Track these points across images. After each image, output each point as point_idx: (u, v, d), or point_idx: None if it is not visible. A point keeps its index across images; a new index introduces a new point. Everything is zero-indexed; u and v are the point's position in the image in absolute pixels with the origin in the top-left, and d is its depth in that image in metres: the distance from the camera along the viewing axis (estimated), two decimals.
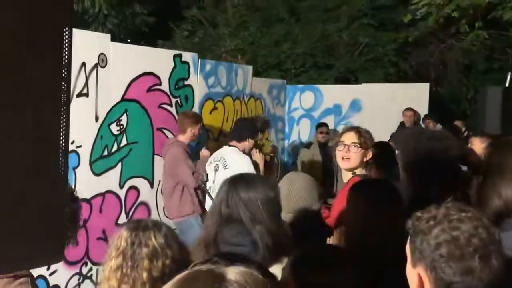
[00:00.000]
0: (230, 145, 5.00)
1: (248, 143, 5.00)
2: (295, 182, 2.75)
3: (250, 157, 5.04)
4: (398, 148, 3.62)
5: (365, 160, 3.01)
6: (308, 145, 7.55)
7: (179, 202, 5.07)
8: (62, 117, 0.88)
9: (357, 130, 3.06)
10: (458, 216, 1.32)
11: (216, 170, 4.95)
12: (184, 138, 5.18)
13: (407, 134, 2.87)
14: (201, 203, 5.23)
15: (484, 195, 1.96)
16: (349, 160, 2.98)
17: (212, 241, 2.00)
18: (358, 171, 2.99)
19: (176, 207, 5.09)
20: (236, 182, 2.09)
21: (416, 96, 8.00)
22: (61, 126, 0.88)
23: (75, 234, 1.72)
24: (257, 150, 5.28)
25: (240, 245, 1.97)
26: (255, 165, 5.02)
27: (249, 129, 5.04)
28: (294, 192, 2.71)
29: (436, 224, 1.32)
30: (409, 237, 1.39)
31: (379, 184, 2.31)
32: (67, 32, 0.94)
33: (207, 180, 5.09)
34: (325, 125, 7.41)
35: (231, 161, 4.85)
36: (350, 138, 3.01)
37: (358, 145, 2.97)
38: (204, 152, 5.30)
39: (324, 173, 6.80)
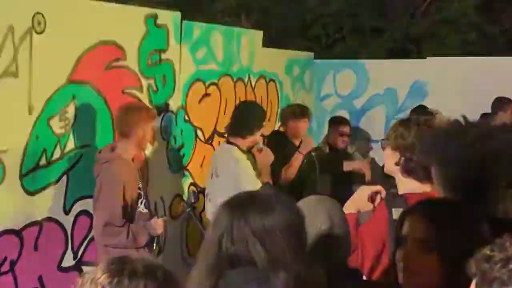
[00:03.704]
0: (229, 142, 5.24)
1: (254, 138, 5.24)
2: (334, 214, 2.62)
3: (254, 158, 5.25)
4: None
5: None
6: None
7: (104, 252, 4.53)
8: None
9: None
10: None
11: (210, 178, 5.24)
12: (129, 146, 4.74)
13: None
14: None
15: None
16: None
17: None
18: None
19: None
20: (243, 204, 2.12)
21: (509, 74, 7.98)
22: None
23: None
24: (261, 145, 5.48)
25: None
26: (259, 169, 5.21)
27: (257, 116, 5.31)
28: (337, 229, 2.59)
29: None
30: (474, 285, 1.40)
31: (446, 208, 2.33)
32: None
33: (195, 201, 5.11)
34: (345, 121, 7.41)
35: (223, 167, 5.08)
36: None
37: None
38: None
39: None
